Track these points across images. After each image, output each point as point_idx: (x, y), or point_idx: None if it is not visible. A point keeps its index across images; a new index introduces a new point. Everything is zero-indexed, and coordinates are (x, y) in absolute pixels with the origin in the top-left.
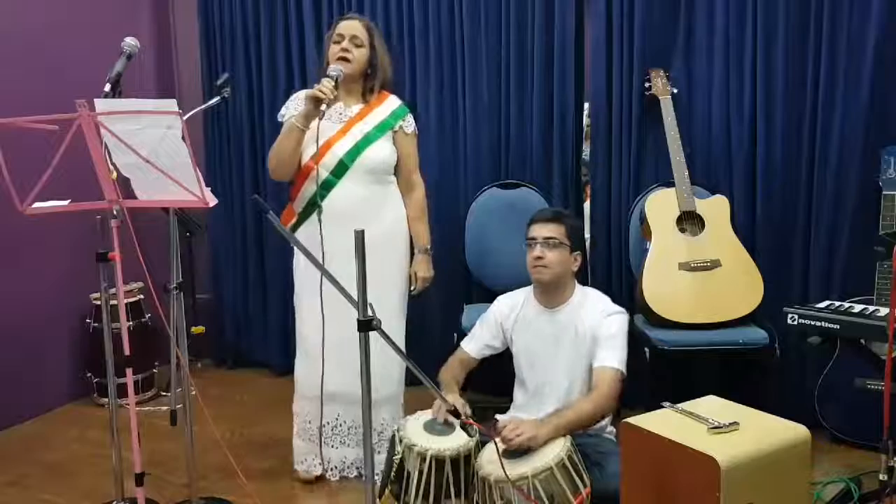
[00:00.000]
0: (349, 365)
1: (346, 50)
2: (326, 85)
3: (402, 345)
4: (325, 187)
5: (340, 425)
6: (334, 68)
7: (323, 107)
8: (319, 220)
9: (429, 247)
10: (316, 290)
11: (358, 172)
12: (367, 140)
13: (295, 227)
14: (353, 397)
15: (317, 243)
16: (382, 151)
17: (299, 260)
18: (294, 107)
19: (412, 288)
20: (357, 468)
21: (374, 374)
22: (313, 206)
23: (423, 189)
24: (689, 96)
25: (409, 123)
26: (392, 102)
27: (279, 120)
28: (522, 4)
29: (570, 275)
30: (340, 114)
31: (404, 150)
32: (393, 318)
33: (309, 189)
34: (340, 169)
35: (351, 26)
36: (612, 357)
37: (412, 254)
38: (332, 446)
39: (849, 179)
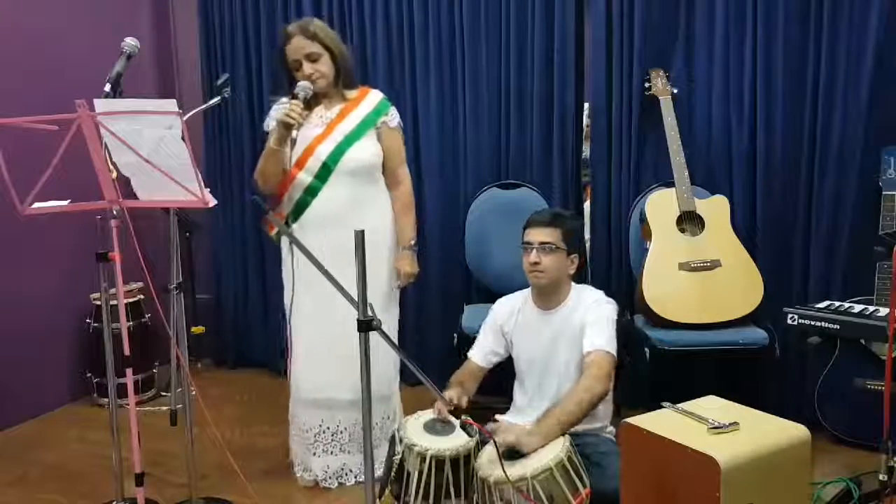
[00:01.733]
0: (330, 368)
1: (310, 74)
2: (294, 109)
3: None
4: (311, 192)
5: (324, 432)
6: (301, 87)
7: (294, 133)
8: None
9: (413, 243)
10: (304, 293)
11: (341, 174)
12: (348, 141)
13: (281, 233)
14: (336, 402)
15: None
16: (366, 151)
17: (288, 265)
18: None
19: (398, 283)
20: (338, 480)
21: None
22: (298, 212)
23: (410, 183)
24: (689, 96)
25: (392, 117)
26: (373, 98)
27: (265, 129)
28: (522, 4)
29: (567, 277)
30: (321, 117)
31: (389, 145)
32: (381, 317)
33: (294, 195)
34: (324, 172)
35: (299, 47)
36: (597, 339)
37: None
38: (315, 454)
39: (849, 179)
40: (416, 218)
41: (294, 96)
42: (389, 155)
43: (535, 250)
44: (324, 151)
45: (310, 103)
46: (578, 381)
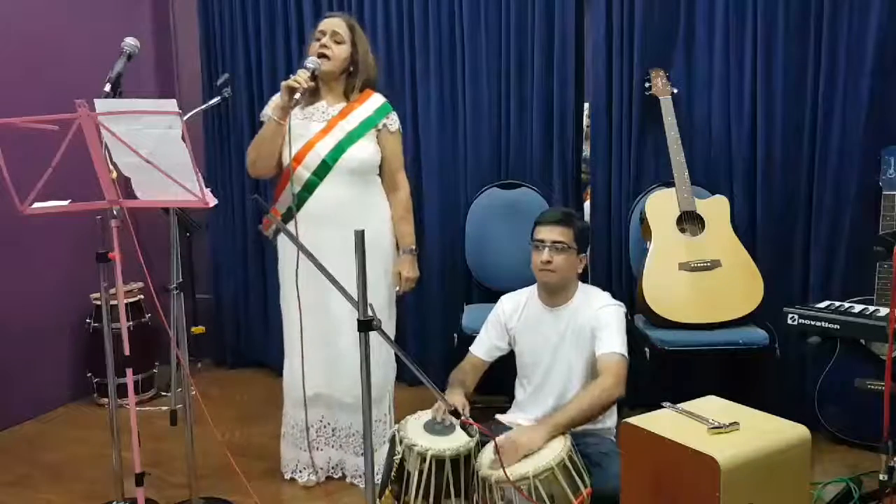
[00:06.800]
0: (327, 366)
1: (325, 46)
2: (301, 75)
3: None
4: (308, 188)
5: (325, 427)
6: (312, 60)
7: (297, 95)
8: (295, 221)
9: (413, 247)
10: (293, 290)
11: (340, 172)
12: (349, 139)
13: (277, 230)
14: (333, 400)
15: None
16: (365, 150)
17: (281, 261)
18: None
19: (397, 289)
20: (342, 470)
21: (354, 376)
22: (296, 207)
23: (408, 189)
24: (689, 96)
25: (392, 121)
26: (375, 101)
27: (261, 119)
28: (522, 4)
29: (575, 276)
30: (323, 112)
31: (388, 150)
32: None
33: (293, 189)
34: (322, 169)
35: (332, 23)
36: (612, 343)
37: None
38: (317, 448)
39: (849, 179)
40: (414, 223)
41: (303, 67)
42: (388, 159)
43: (547, 248)
44: (324, 148)
45: (314, 94)
46: (595, 382)
